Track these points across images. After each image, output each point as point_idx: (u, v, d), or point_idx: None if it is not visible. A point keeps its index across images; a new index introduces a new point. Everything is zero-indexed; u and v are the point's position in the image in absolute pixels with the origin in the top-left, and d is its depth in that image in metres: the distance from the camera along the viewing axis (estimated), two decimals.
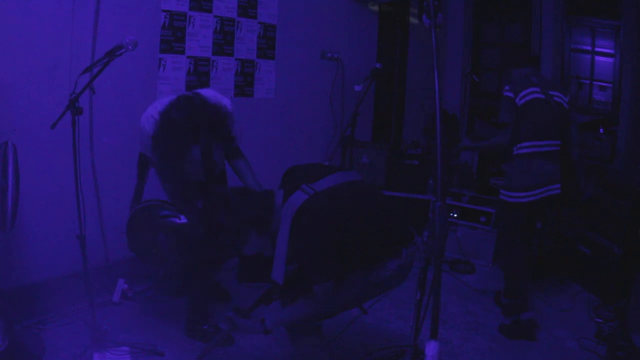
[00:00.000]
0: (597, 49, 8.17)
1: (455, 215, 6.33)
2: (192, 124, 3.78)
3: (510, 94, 4.68)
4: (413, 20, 8.68)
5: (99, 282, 4.69)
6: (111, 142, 4.74)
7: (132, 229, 4.09)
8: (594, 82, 8.20)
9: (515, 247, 4.78)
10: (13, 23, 4.04)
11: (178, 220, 4.03)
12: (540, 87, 4.73)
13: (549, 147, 4.67)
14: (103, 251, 4.89)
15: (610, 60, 8.04)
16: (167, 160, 3.87)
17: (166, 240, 4.04)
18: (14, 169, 3.57)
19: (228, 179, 4.44)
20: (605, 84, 8.11)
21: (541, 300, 5.27)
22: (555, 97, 4.75)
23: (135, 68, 4.79)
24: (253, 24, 5.91)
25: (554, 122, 4.69)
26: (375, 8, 7.85)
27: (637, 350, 4.18)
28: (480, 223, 6.22)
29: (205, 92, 4.02)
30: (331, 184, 3.13)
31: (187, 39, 5.21)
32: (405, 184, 6.75)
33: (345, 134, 5.40)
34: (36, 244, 4.36)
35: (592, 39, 8.20)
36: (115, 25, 4.58)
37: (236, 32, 5.72)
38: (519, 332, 4.61)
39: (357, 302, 3.49)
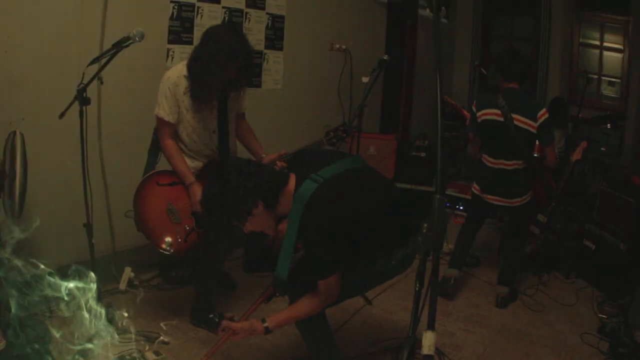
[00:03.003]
0: (605, 44, 8.16)
1: (462, 208, 6.34)
2: (237, 42, 3.85)
3: (474, 109, 4.91)
4: (422, 12, 8.67)
5: (106, 271, 4.72)
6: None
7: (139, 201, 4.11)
8: (603, 77, 8.19)
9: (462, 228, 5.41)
10: (22, 14, 4.06)
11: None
12: (503, 111, 4.84)
13: (502, 166, 5.00)
14: (110, 239, 4.92)
15: (619, 55, 8.02)
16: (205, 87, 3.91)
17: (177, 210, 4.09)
18: (22, 158, 3.59)
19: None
20: (613, 79, 8.10)
21: (545, 295, 5.29)
22: (517, 121, 4.84)
23: (143, 58, 4.81)
24: (261, 14, 5.92)
25: (510, 145, 4.90)
26: (384, 0, 7.84)
27: (639, 347, 4.19)
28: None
29: None
30: (340, 171, 3.12)
31: (195, 29, 5.22)
32: (413, 175, 6.77)
33: (353, 125, 5.41)
34: (43, 232, 4.39)
35: (601, 33, 8.18)
36: (123, 16, 4.60)
37: (244, 23, 5.73)
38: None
39: (360, 291, 3.51)
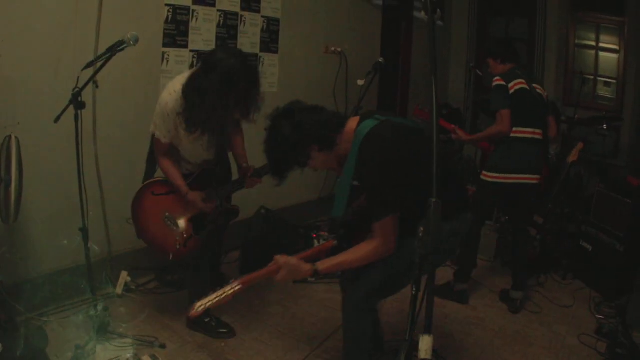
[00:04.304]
0: (601, 45, 8.17)
1: None
2: (248, 75, 3.72)
3: (503, 83, 4.84)
4: (417, 14, 8.67)
5: (102, 275, 4.71)
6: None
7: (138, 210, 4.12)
8: (598, 78, 8.20)
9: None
10: (17, 18, 4.05)
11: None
12: (526, 80, 4.96)
13: (533, 135, 4.95)
14: (106, 244, 4.91)
15: (614, 56, 8.03)
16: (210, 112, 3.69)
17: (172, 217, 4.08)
18: (17, 162, 3.58)
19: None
20: (609, 80, 8.10)
21: (542, 296, 5.29)
22: (538, 89, 5.03)
23: (139, 62, 4.80)
24: (256, 17, 5.91)
25: (537, 111, 4.99)
26: (379, 2, 7.84)
27: (637, 347, 4.19)
28: None
29: None
30: (404, 122, 3.18)
31: (190, 33, 5.21)
32: None
33: None
34: (39, 236, 4.38)
35: (596, 34, 8.19)
36: (118, 19, 4.58)
37: (239, 26, 5.73)
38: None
39: (411, 270, 3.42)
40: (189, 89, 3.71)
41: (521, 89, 4.86)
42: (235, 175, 4.36)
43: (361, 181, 3.04)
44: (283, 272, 3.07)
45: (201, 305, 3.07)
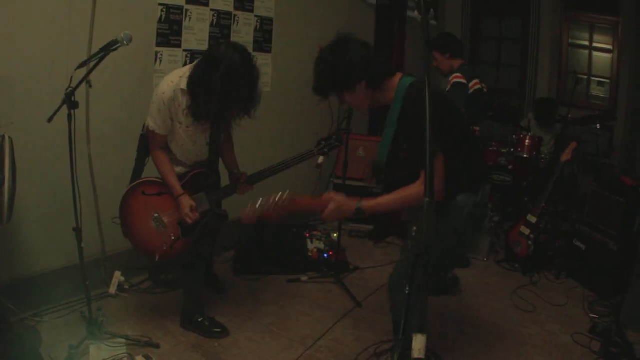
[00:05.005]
0: (595, 45, 8.18)
1: None
2: (251, 74, 3.79)
3: (464, 81, 4.93)
4: (411, 13, 8.66)
5: (96, 275, 4.71)
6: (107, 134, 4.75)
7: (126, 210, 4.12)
8: (592, 78, 8.22)
9: None
10: (11, 17, 4.04)
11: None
12: (478, 79, 5.15)
13: (476, 133, 5.09)
14: (99, 243, 4.90)
15: (608, 55, 8.05)
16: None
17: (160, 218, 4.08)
18: (11, 162, 3.57)
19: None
20: (602, 80, 8.12)
21: (536, 295, 5.29)
22: (484, 88, 5.21)
23: (132, 61, 4.79)
24: (250, 17, 5.90)
25: (485, 111, 5.20)
26: (373, 1, 7.84)
27: (631, 346, 4.20)
28: None
29: None
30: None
31: (183, 32, 5.21)
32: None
33: (341, 127, 5.42)
34: (33, 236, 4.38)
35: (590, 34, 8.21)
36: (112, 19, 4.57)
37: (233, 26, 5.72)
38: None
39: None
40: (194, 80, 3.75)
41: (479, 89, 4.96)
42: (225, 181, 4.37)
43: (405, 127, 3.16)
44: (332, 205, 3.17)
45: (252, 210, 3.11)
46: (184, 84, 3.80)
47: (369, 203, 3.15)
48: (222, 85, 3.61)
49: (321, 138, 4.29)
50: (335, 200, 3.14)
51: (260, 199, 3.16)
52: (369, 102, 3.29)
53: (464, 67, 5.10)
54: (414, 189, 3.06)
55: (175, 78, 3.85)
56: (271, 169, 4.16)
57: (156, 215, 4.05)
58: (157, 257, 4.08)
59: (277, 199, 3.16)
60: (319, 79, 3.26)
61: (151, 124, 3.94)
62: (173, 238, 4.06)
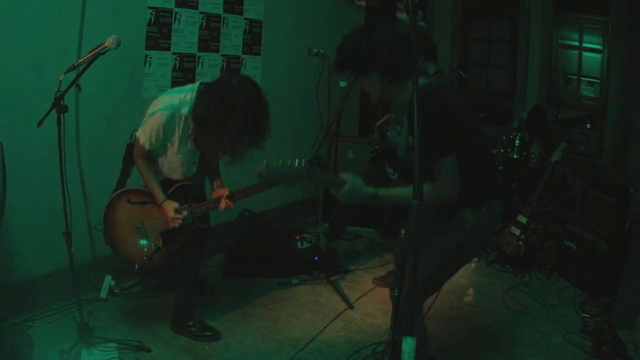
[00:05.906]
0: (585, 45, 8.19)
1: None
2: (264, 110, 3.76)
3: None
4: (400, 15, 8.66)
5: (86, 279, 4.69)
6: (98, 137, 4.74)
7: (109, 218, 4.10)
8: (582, 78, 8.23)
9: None
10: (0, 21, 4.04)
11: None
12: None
13: None
14: (90, 248, 4.89)
15: (598, 55, 8.07)
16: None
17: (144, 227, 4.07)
18: (0, 167, 3.56)
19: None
20: (593, 80, 8.14)
21: (527, 295, 5.30)
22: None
23: (121, 65, 4.76)
24: (239, 20, 5.90)
25: None
26: (362, 3, 7.84)
27: (623, 345, 4.21)
28: None
29: None
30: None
31: (172, 35, 5.20)
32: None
33: (331, 130, 5.43)
34: (23, 241, 4.36)
35: (580, 34, 8.22)
36: (101, 22, 4.56)
37: (222, 28, 5.72)
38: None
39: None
40: (203, 114, 3.69)
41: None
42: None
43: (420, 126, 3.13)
44: (349, 186, 3.12)
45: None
46: (185, 110, 3.79)
47: (387, 192, 3.14)
48: (236, 121, 3.59)
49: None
50: (352, 182, 3.13)
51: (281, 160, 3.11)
52: (381, 94, 3.23)
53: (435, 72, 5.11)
54: (430, 186, 3.02)
55: (174, 100, 3.81)
56: (254, 187, 4.11)
57: (140, 224, 4.04)
58: (136, 266, 4.10)
59: (295, 164, 3.13)
60: (337, 53, 3.24)
61: (142, 139, 3.90)
62: (154, 248, 4.06)
